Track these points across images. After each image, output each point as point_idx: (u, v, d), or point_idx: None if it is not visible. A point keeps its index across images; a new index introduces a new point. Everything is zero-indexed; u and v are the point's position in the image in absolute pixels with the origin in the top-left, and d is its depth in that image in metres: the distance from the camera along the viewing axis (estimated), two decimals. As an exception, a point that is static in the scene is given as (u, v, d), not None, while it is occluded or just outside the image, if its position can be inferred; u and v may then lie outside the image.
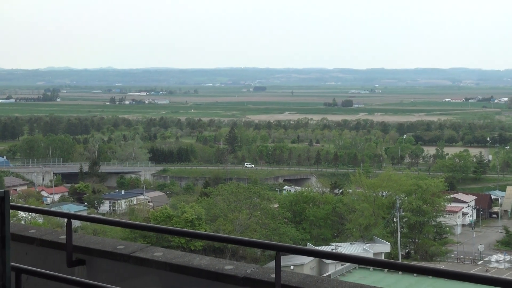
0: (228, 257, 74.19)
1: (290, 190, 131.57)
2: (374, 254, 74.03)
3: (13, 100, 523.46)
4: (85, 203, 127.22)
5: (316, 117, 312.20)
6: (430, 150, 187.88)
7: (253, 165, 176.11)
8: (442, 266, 75.35)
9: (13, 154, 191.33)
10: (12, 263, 5.26)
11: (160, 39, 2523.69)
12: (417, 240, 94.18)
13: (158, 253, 6.71)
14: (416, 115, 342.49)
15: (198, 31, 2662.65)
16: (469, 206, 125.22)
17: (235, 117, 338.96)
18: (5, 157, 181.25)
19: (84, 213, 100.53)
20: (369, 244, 79.41)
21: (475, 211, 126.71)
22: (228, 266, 6.15)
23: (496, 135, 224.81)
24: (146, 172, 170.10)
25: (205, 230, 76.24)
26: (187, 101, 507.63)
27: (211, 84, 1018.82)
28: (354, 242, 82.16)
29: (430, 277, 47.71)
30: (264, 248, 6.06)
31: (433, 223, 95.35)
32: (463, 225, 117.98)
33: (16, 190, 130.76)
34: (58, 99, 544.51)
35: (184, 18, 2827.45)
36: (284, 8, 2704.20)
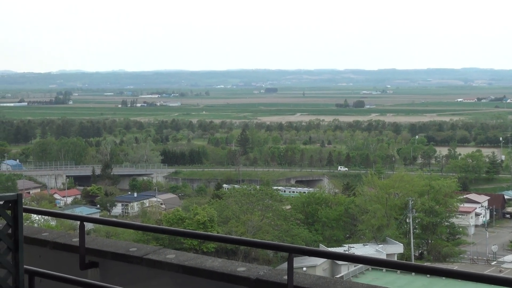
0: (241, 259, 74.22)
1: (284, 191, 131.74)
2: (387, 255, 73.86)
3: (26, 103, 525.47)
4: (98, 205, 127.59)
5: (328, 118, 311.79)
6: (443, 151, 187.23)
7: (346, 168, 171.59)
8: (455, 267, 75.05)
9: (26, 157, 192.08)
10: (25, 266, 5.28)
11: (171, 42, 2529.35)
12: (430, 241, 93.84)
13: (171, 255, 6.72)
14: (428, 116, 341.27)
15: (209, 33, 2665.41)
16: (482, 206, 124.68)
17: (247, 118, 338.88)
18: (18, 160, 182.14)
19: (97, 216, 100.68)
20: (381, 245, 79.25)
21: (488, 211, 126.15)
22: (240, 268, 6.16)
23: (509, 135, 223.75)
24: (158, 174, 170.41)
25: (218, 232, 76.28)
26: (198, 103, 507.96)
27: (222, 86, 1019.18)
28: (367, 243, 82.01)
29: (443, 278, 47.53)
30: (276, 249, 6.06)
31: (446, 223, 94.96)
32: (476, 226, 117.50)
33: (29, 193, 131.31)
34: (70, 102, 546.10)
35: (195, 21, 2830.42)
36: (295, 9, 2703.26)
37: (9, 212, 5.03)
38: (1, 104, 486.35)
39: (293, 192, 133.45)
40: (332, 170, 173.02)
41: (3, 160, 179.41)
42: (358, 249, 75.39)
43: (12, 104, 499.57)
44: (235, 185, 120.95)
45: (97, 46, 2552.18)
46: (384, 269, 57.24)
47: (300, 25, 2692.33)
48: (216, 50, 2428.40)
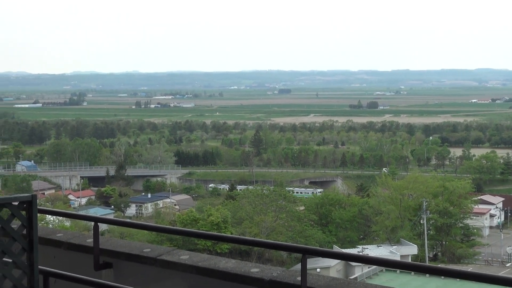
0: (254, 260, 74.20)
1: (298, 192, 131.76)
2: (401, 256, 73.59)
3: (40, 104, 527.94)
4: (112, 206, 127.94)
5: (342, 119, 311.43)
6: (457, 152, 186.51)
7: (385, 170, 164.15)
8: (469, 268, 74.71)
9: (41, 158, 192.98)
10: (40, 267, 5.30)
11: (185, 43, 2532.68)
12: (444, 242, 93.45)
13: (184, 256, 6.73)
14: (442, 117, 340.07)
15: (223, 35, 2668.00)
16: (496, 207, 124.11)
17: (260, 119, 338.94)
18: (32, 161, 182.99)
19: (111, 217, 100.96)
20: (395, 247, 79.01)
21: (503, 212, 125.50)
22: (254, 269, 6.16)
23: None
24: (172, 175, 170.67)
25: (231, 233, 76.33)
26: (212, 104, 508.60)
27: (236, 87, 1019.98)
28: (381, 245, 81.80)
29: (458, 279, 47.34)
30: (290, 250, 6.06)
31: (460, 225, 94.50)
32: (491, 227, 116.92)
33: (43, 194, 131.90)
34: (85, 103, 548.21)
35: (209, 22, 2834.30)
36: (309, 10, 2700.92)
37: (24, 212, 5.06)
38: (16, 105, 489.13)
39: (302, 193, 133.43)
40: (346, 171, 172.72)
41: (18, 161, 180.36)
42: (372, 250, 75.19)
43: (27, 105, 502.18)
44: (249, 186, 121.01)
45: (111, 48, 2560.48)
46: (398, 271, 57.05)
47: (313, 26, 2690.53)
48: (230, 52, 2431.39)
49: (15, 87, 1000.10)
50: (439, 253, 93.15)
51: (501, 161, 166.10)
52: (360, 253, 60.25)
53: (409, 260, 74.00)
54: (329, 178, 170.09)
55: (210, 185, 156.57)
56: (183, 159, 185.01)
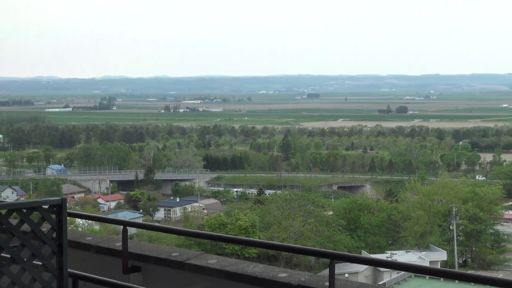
0: (282, 264, 74.10)
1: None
2: (430, 262, 73.07)
3: (70, 108, 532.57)
4: (141, 210, 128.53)
5: (370, 124, 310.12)
6: (487, 157, 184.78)
7: (484, 177, 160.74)
8: (500, 275, 73.93)
9: (71, 162, 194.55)
10: (69, 270, 5.34)
11: (214, 48, 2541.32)
12: (474, 248, 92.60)
13: (212, 261, 6.74)
14: (472, 121, 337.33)
15: (252, 40, 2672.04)
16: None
17: (289, 124, 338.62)
18: (62, 165, 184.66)
19: (140, 221, 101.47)
20: (424, 252, 78.47)
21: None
22: (282, 274, 6.15)
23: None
24: (200, 179, 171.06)
25: (259, 238, 76.29)
26: (240, 109, 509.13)
27: (264, 92, 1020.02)
28: (410, 250, 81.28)
29: (488, 286, 46.86)
30: (318, 256, 6.04)
31: (490, 231, 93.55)
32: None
33: (73, 197, 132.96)
34: (114, 108, 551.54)
35: (237, 27, 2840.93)
36: (337, 15, 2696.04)
37: (54, 216, 5.10)
38: (47, 110, 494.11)
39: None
40: (374, 176, 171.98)
41: (49, 165, 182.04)
42: (401, 256, 74.75)
43: (57, 110, 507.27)
44: (277, 191, 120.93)
45: (141, 52, 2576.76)
46: (427, 277, 56.63)
47: (342, 31, 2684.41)
48: (258, 56, 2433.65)
49: (46, 91, 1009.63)
50: (468, 259, 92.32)
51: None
52: (389, 259, 59.94)
53: (439, 266, 73.47)
54: (358, 183, 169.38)
55: (235, 190, 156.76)
56: (211, 164, 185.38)
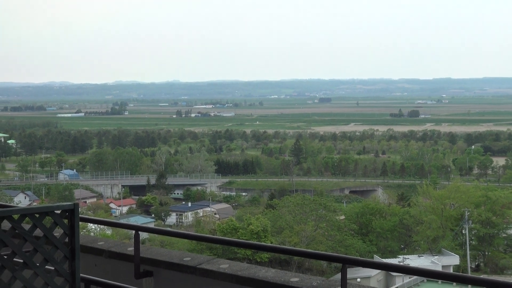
0: (294, 269, 74.02)
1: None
2: (443, 266, 72.86)
3: (83, 114, 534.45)
4: (153, 215, 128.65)
5: (382, 128, 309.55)
6: (500, 161, 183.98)
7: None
8: (513, 279, 73.51)
9: (83, 167, 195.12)
10: (81, 274, 5.36)
11: (225, 53, 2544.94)
12: (486, 253, 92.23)
13: (224, 265, 6.74)
14: (484, 125, 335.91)
15: (263, 44, 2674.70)
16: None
17: (300, 128, 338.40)
18: (75, 170, 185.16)
19: (152, 225, 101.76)
20: (437, 257, 78.23)
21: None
22: (294, 279, 6.14)
23: None
24: (212, 184, 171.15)
25: (271, 242, 76.20)
26: (252, 114, 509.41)
27: (276, 96, 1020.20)
28: (422, 255, 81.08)
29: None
30: (330, 260, 6.04)
31: (503, 235, 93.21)
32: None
33: (85, 202, 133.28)
34: (126, 113, 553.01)
35: (249, 32, 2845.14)
36: (348, 19, 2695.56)
37: (66, 221, 5.12)
38: (59, 115, 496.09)
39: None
40: (386, 181, 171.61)
41: (61, 170, 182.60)
42: (413, 260, 74.56)
43: (69, 115, 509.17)
44: (289, 195, 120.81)
45: (152, 57, 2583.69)
46: (439, 281, 56.45)
47: (354, 35, 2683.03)
48: (270, 61, 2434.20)
49: (58, 96, 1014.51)
50: (481, 264, 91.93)
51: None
52: (401, 263, 59.77)
53: (451, 270, 73.20)
54: (370, 187, 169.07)
55: (243, 194, 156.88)
56: (223, 168, 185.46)
